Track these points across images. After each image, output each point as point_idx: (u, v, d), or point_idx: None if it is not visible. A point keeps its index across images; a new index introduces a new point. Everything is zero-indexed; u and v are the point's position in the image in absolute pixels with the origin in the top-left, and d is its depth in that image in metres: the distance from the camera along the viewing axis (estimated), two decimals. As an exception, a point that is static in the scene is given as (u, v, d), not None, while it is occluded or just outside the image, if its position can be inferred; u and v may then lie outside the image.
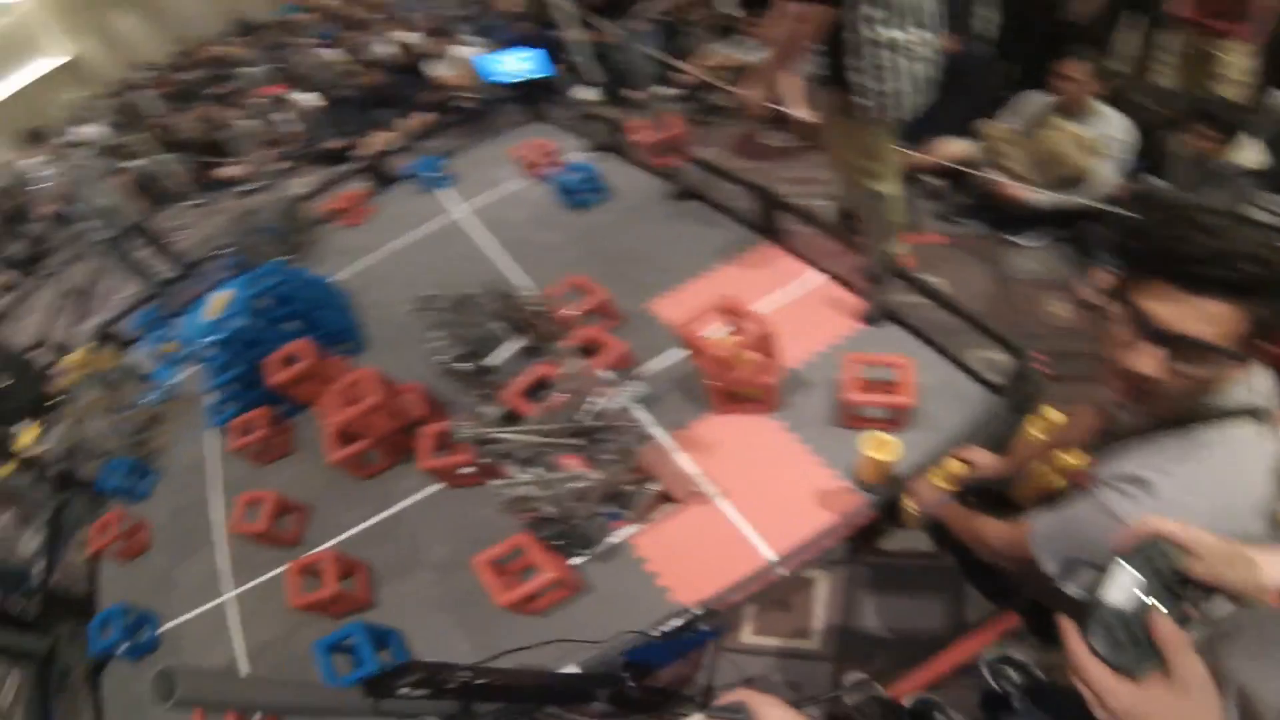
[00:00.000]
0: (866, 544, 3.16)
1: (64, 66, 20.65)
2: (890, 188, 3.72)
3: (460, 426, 3.38)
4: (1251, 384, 1.37)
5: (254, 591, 4.34)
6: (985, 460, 2.52)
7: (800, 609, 3.08)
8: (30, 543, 6.12)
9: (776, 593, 3.13)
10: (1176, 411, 1.38)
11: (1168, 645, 0.84)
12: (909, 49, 3.02)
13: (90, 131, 14.05)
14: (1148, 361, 1.25)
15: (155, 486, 5.47)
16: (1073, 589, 0.92)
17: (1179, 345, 1.22)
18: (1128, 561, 0.88)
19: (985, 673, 2.25)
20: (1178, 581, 0.89)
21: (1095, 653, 0.86)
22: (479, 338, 4.27)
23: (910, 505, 2.59)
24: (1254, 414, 1.36)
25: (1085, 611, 0.88)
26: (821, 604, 3.07)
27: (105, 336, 7.41)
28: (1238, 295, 1.17)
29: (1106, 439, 1.64)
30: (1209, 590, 0.93)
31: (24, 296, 11.51)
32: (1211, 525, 1.10)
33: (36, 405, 6.41)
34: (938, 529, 2.58)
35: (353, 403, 4.15)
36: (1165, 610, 0.86)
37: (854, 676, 2.81)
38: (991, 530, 1.90)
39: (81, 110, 16.09)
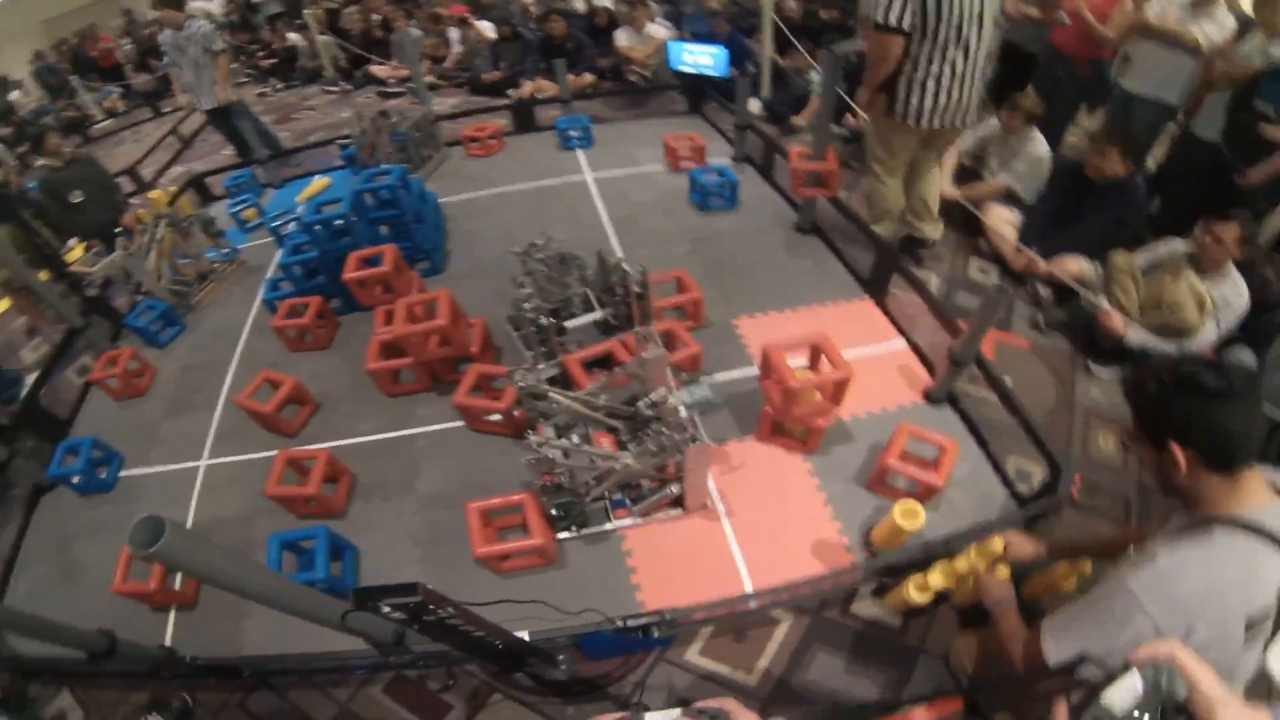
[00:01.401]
0: (840, 603, 3.34)
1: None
2: (892, 180, 5.06)
3: (521, 372, 3.42)
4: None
5: (230, 467, 4.38)
6: (1024, 547, 2.83)
7: (753, 644, 3.25)
8: (33, 354, 6.40)
9: (739, 622, 3.28)
10: (1192, 510, 1.84)
11: None
12: (949, 74, 4.28)
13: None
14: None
15: (178, 338, 5.64)
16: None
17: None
18: (1140, 672, 1.00)
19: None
20: (1174, 707, 0.99)
21: None
22: (564, 298, 4.37)
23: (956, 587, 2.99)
24: (1275, 540, 1.64)
25: (1082, 707, 1.00)
26: (775, 645, 3.24)
27: (193, 184, 7.78)
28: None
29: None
30: None
31: (131, 125, 12.39)
32: (1199, 607, 1.65)
33: (104, 229, 6.74)
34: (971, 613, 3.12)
35: (415, 320, 4.24)
36: None
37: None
38: (1019, 635, 2.29)
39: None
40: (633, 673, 3.15)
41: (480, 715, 3.12)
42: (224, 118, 7.94)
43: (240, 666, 3.28)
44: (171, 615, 3.71)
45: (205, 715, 3.33)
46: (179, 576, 3.72)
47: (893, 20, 4.10)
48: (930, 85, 4.35)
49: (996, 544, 2.82)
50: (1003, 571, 2.74)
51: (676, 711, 1.00)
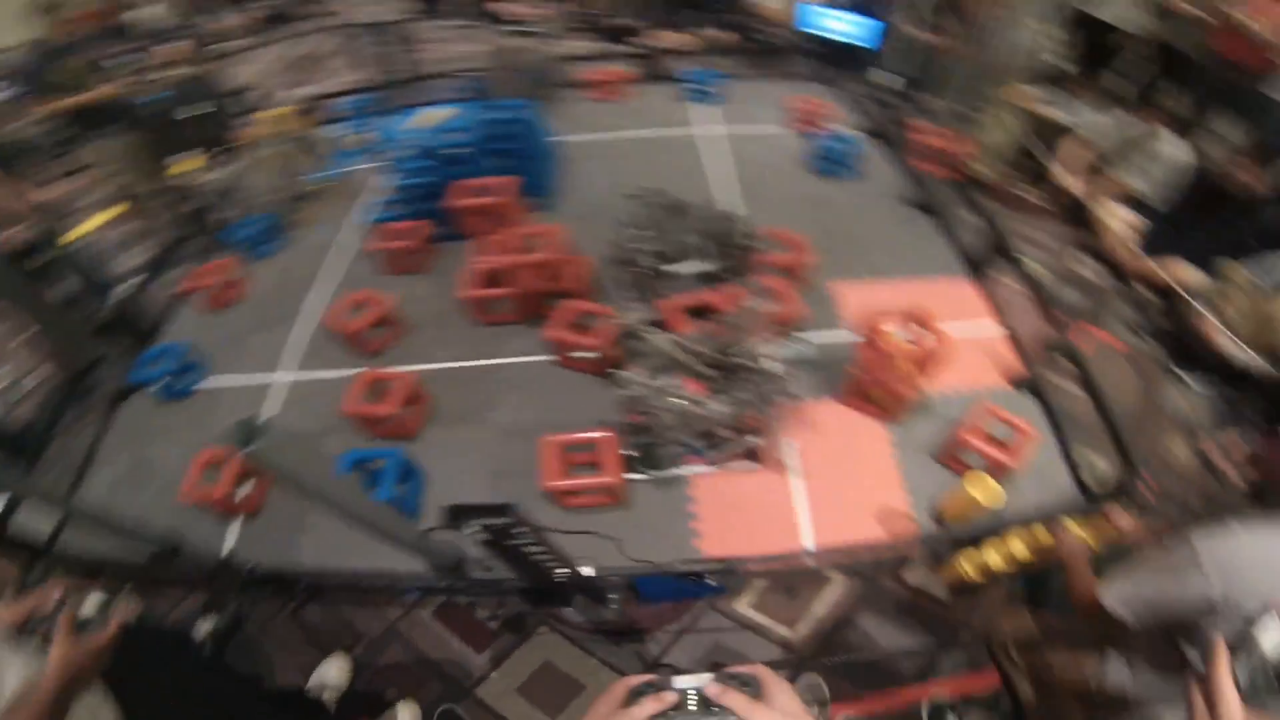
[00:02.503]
0: (893, 569, 3.39)
1: None
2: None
3: (624, 309, 3.51)
4: None
5: (310, 384, 4.39)
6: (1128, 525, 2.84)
7: (802, 601, 3.29)
8: (134, 260, 6.44)
9: (793, 578, 3.34)
10: None
11: None
12: None
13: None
14: None
15: (275, 253, 5.65)
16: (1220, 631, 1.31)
17: None
18: None
19: (925, 714, 2.98)
20: None
21: (1236, 681, 1.11)
22: (674, 245, 4.36)
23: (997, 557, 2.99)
24: None
25: (1240, 645, 1.15)
26: (824, 604, 3.29)
27: (311, 106, 7.77)
28: None
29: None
30: None
31: (256, 45, 12.66)
32: (1254, 577, 1.56)
33: (217, 141, 6.79)
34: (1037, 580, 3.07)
35: (520, 251, 4.24)
36: None
37: (810, 679, 3.01)
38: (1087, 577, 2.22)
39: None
40: (680, 618, 3.20)
41: (525, 645, 3.15)
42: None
43: (297, 577, 3.31)
44: (236, 524, 3.71)
45: (258, 623, 3.37)
46: (246, 485, 3.72)
47: None
48: None
49: (1042, 534, 2.91)
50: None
51: (708, 676, 0.93)
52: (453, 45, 10.16)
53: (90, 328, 5.01)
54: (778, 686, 0.94)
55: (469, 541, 2.16)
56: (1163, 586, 1.76)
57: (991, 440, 3.55)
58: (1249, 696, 1.07)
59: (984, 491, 3.13)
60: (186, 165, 7.08)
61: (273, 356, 4.59)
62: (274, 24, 13.10)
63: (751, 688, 0.93)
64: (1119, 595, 1.87)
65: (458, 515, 2.01)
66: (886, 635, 3.17)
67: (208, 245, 5.83)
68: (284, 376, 4.46)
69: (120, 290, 5.69)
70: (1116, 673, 1.93)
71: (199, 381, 4.53)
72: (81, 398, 4.58)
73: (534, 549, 2.22)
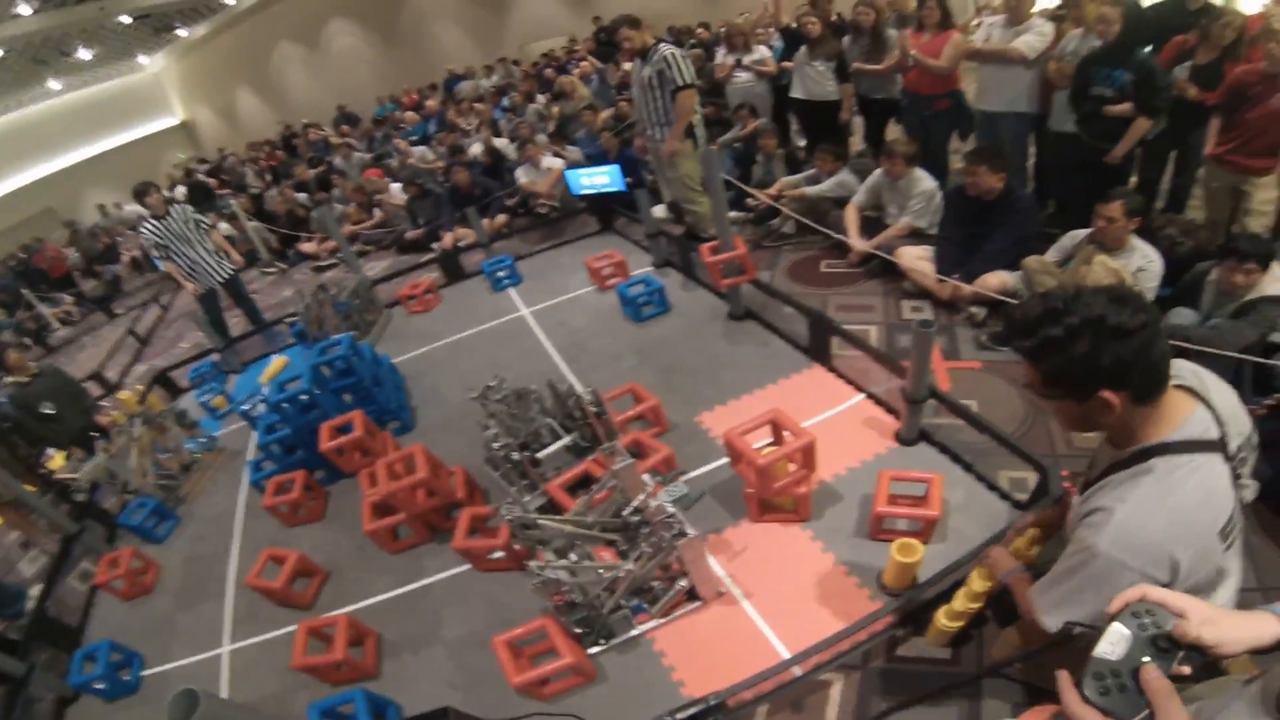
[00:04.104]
0: (885, 651, 3.20)
1: (176, 127, 23.70)
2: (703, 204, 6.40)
3: (507, 506, 3.44)
4: (1203, 420, 1.65)
5: (253, 648, 4.24)
6: (1004, 557, 2.60)
7: (812, 711, 3.07)
8: (31, 565, 6.14)
9: (790, 693, 3.13)
10: (1120, 447, 1.73)
11: (1155, 693, 0.98)
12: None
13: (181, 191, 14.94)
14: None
15: (174, 531, 5.47)
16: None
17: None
18: (1120, 620, 1.05)
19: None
20: (1166, 640, 1.04)
21: (1087, 700, 1.01)
22: (531, 431, 4.40)
23: (978, 580, 2.76)
24: (1208, 445, 1.62)
25: (1081, 668, 1.03)
26: (834, 707, 3.07)
27: (159, 381, 7.64)
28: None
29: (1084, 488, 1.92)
30: (1192, 649, 1.05)
31: (89, 330, 12.15)
32: (1173, 542, 1.55)
33: (80, 434, 6.63)
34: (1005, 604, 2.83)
35: (397, 477, 4.24)
36: (1154, 663, 1.01)
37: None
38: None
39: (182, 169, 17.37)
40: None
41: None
42: (217, 297, 7.74)
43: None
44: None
45: None
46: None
47: (690, 79, 5.80)
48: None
49: (1020, 544, 2.69)
50: (1018, 544, 2.66)
51: None
52: (273, 292, 10.12)
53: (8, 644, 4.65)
54: None
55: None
56: (1101, 600, 1.55)
57: (907, 501, 3.52)
58: (1107, 710, 0.99)
59: (907, 553, 3.09)
60: (56, 461, 6.84)
61: (209, 631, 4.41)
62: (98, 307, 12.71)
63: None
64: (1059, 623, 1.75)
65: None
66: (911, 712, 2.93)
67: (106, 536, 5.59)
68: (226, 648, 4.28)
69: (28, 598, 5.39)
70: None
71: (140, 672, 4.30)
72: (23, 718, 4.16)
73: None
